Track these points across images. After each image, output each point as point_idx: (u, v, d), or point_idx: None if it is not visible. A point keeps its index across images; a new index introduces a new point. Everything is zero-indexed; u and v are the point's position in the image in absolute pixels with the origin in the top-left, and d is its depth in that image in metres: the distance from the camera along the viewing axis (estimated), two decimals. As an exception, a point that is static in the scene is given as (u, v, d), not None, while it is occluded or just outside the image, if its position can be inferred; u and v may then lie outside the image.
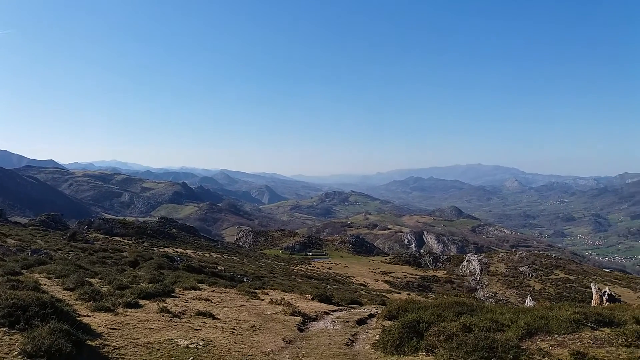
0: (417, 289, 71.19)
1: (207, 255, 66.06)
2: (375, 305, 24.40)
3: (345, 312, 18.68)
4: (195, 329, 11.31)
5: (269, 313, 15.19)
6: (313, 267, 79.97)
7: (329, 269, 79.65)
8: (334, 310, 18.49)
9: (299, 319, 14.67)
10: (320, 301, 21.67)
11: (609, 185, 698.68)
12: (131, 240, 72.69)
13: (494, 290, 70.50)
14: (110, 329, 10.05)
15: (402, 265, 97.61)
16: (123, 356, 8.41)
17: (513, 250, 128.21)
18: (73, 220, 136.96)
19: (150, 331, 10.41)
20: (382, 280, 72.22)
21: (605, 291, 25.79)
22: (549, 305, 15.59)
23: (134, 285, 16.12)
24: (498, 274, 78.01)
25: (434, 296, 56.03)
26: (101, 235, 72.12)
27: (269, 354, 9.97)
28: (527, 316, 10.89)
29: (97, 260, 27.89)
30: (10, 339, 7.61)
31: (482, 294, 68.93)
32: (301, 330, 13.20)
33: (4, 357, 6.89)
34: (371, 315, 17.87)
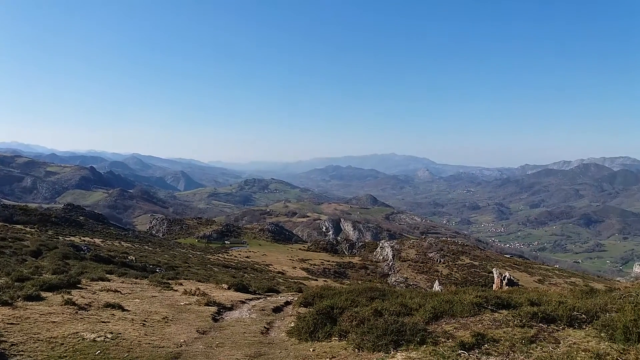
0: (333, 275, 72.86)
1: (117, 244, 62.97)
2: (292, 293, 24.69)
3: (262, 300, 18.74)
4: (103, 322, 10.85)
5: (182, 304, 14.88)
6: (231, 255, 79.04)
7: (247, 257, 79.19)
8: (251, 299, 18.49)
9: (213, 309, 14.51)
10: (237, 290, 21.57)
11: (511, 176, 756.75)
12: (34, 228, 67.22)
13: (405, 275, 73.90)
14: (8, 324, 9.43)
15: (319, 252, 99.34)
16: (22, 353, 7.89)
17: (423, 237, 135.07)
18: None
19: (54, 325, 9.87)
20: (300, 268, 73.09)
21: (505, 276, 28.06)
22: (454, 290, 16.68)
23: (36, 277, 15.20)
24: (409, 260, 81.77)
25: (349, 282, 57.73)
26: (-2, 224, 66.17)
27: (181, 345, 9.79)
28: (434, 300, 11.57)
29: (-8, 252, 25.67)
30: None
31: (394, 279, 71.98)
32: (216, 320, 13.09)
33: None
34: (287, 303, 18.08)
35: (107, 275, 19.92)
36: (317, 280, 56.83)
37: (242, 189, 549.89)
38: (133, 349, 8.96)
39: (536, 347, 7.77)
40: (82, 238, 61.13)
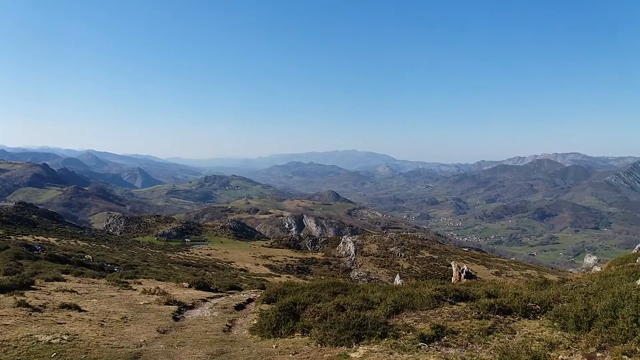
0: (296, 271, 72.92)
1: (73, 243, 60.91)
2: (254, 290, 24.58)
3: (223, 298, 18.57)
4: (59, 323, 10.51)
5: (142, 303, 14.56)
6: (191, 254, 77.80)
7: (209, 255, 78.14)
8: (212, 297, 18.29)
9: (174, 307, 14.27)
10: (198, 288, 21.28)
11: (468, 172, 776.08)
12: (-20, 229, 64.24)
13: (367, 269, 74.75)
14: (-46, 329, 8.96)
15: (282, 248, 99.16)
16: (-31, 359, 7.54)
17: (384, 231, 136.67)
18: None
19: (6, 328, 9.51)
20: (262, 265, 72.73)
21: (464, 269, 28.82)
22: (414, 283, 16.99)
23: (-16, 280, 14.47)
24: (371, 255, 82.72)
25: (312, 278, 57.92)
26: (-60, 225, 62.74)
27: (141, 345, 9.59)
28: (394, 294, 11.75)
29: None
30: None
31: (356, 273, 72.70)
32: (176, 319, 12.88)
33: None
34: (250, 300, 17.99)
35: (63, 275, 19.31)
36: (280, 276, 56.72)
37: (202, 185, 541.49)
38: (91, 350, 8.72)
39: (493, 338, 8.02)
40: (36, 237, 58.81)
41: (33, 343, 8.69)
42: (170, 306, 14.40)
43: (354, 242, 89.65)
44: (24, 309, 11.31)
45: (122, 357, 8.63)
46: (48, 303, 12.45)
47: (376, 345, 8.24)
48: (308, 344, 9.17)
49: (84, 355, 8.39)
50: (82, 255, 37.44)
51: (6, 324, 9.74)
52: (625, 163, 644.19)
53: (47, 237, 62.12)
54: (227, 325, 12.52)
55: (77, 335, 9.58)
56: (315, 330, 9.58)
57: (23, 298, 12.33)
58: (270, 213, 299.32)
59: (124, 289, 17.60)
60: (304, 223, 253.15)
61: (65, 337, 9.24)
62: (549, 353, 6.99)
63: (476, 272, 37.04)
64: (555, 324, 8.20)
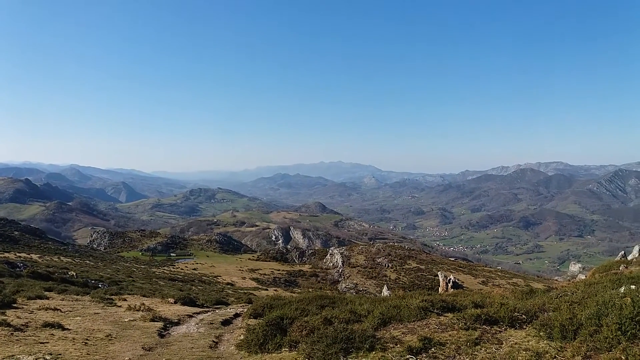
0: (284, 284, 72.45)
1: (57, 259, 59.87)
2: (241, 304, 24.34)
3: (210, 313, 18.36)
4: (41, 342, 10.29)
5: (126, 320, 14.33)
6: (177, 268, 76.95)
7: (195, 269, 77.35)
8: (199, 313, 18.08)
9: (159, 324, 14.07)
10: (184, 304, 21.03)
11: (453, 182, 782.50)
12: (-41, 246, 62.91)
13: (355, 281, 74.62)
14: None
15: (269, 261, 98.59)
16: (-53, 383, 7.34)
17: (371, 242, 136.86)
18: None
19: (-15, 350, 9.23)
20: (249, 278, 72.17)
21: (450, 278, 28.92)
22: (402, 294, 16.97)
23: (-37, 299, 14.15)
24: (358, 266, 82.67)
25: (299, 290, 57.61)
26: None
27: (126, 365, 9.41)
28: (382, 306, 11.73)
29: None
30: None
31: (344, 285, 72.49)
32: (162, 336, 12.69)
33: None
34: (237, 315, 17.81)
35: (46, 293, 18.96)
36: (267, 290, 56.30)
37: (188, 199, 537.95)
38: (73, 371, 8.54)
39: (480, 349, 8.03)
40: (18, 254, 57.72)
41: (14, 364, 8.50)
42: (155, 323, 14.19)
43: (341, 253, 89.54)
44: (6, 328, 11.07)
45: (106, 376, 8.47)
46: (30, 322, 12.20)
47: (364, 359, 8.21)
48: (296, 359, 9.10)
49: (67, 376, 8.22)
50: (65, 272, 36.81)
51: (-14, 345, 9.52)
52: (606, 171, 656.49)
53: (29, 254, 61.02)
54: (213, 341, 12.37)
55: (60, 354, 9.39)
56: (302, 345, 9.50)
57: (4, 317, 12.06)
58: (257, 226, 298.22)
59: (108, 306, 17.32)
60: (291, 235, 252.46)
61: (48, 357, 9.06)
62: (536, 363, 7.02)
63: (463, 282, 37.24)
64: (541, 334, 8.25)
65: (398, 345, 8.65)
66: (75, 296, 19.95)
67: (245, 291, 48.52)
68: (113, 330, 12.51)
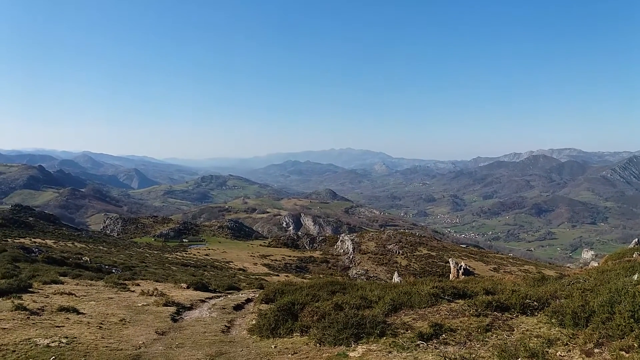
0: (295, 270, 72.89)
1: (71, 245, 60.75)
2: (253, 290, 24.56)
3: (222, 298, 18.55)
4: (57, 326, 10.48)
5: (140, 305, 14.54)
6: (189, 254, 77.72)
7: (207, 255, 78.07)
8: (211, 298, 18.28)
9: (172, 309, 14.26)
10: (196, 289, 21.26)
11: (465, 169, 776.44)
12: (-23, 232, 63.96)
13: (366, 267, 74.86)
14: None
15: (280, 247, 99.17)
16: (-32, 364, 7.52)
17: (382, 229, 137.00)
18: None
19: (4, 332, 9.49)
20: (260, 264, 72.70)
21: (462, 265, 28.88)
22: (412, 281, 17.00)
23: (-19, 283, 14.43)
24: (369, 252, 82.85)
25: (310, 276, 57.92)
26: (-64, 228, 62.46)
27: (140, 347, 9.58)
28: (392, 292, 11.77)
29: None
30: None
31: (354, 271, 72.77)
32: (175, 321, 12.86)
33: None
34: (249, 300, 17.98)
35: (61, 278, 19.25)
36: (278, 275, 56.72)
37: (199, 185, 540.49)
38: (90, 353, 8.71)
39: (491, 335, 8.04)
40: (33, 240, 58.67)
41: (31, 347, 8.67)
42: (168, 307, 14.38)
43: (351, 240, 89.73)
44: (22, 312, 11.28)
45: (121, 359, 8.62)
46: (46, 306, 12.42)
47: (375, 344, 8.26)
48: (307, 344, 9.18)
49: (83, 358, 8.38)
50: (79, 257, 37.34)
51: (4, 328, 9.71)
52: (620, 158, 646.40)
53: (44, 240, 61.95)
54: (225, 326, 12.52)
55: (75, 338, 9.56)
56: (313, 329, 9.59)
57: (21, 301, 12.29)
58: (268, 212, 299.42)
59: (122, 291, 17.57)
60: (302, 222, 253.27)
61: (64, 341, 9.23)
62: (547, 349, 7.02)
63: (474, 269, 37.10)
64: (553, 321, 8.23)
65: (409, 331, 8.69)
66: (89, 281, 20.25)
67: (257, 277, 48.92)
68: (127, 315, 12.71)
